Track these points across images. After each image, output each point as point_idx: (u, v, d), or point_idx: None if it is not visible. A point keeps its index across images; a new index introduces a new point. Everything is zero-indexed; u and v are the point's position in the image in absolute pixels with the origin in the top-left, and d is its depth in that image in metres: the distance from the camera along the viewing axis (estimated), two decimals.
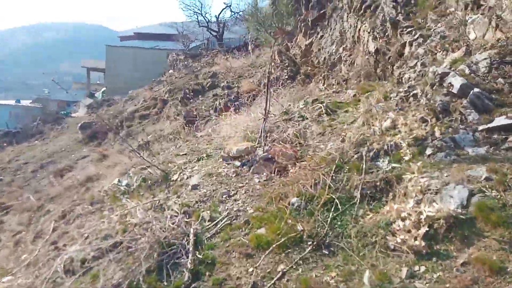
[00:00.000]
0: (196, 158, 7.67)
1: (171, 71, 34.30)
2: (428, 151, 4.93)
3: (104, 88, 38.16)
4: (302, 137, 7.11)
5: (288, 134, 7.13)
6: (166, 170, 6.94)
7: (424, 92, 6.16)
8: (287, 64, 15.30)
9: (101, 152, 23.22)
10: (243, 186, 5.67)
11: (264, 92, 13.89)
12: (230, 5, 36.57)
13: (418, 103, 6.23)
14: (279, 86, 14.65)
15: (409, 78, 7.02)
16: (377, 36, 9.84)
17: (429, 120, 5.34)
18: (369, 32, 10.26)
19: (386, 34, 9.53)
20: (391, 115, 6.14)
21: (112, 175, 10.11)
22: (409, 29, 8.76)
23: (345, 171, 5.22)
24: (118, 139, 27.48)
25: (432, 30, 8.15)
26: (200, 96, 17.98)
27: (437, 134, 5.05)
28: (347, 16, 12.33)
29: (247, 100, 14.81)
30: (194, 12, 36.38)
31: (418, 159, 4.83)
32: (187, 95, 18.18)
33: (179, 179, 6.52)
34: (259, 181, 5.77)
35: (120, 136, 27.48)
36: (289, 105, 9.07)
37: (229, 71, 18.75)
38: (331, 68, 12.12)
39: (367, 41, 10.33)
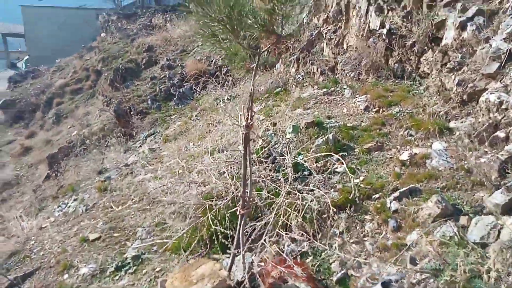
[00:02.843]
0: (114, 265, 3.78)
1: (103, 34, 28.13)
2: None
3: (27, 57, 30.91)
4: (314, 226, 3.47)
5: (288, 219, 3.44)
6: None
7: None
8: None
9: (22, 145, 18.01)
10: None
11: (217, 79, 9.78)
12: None
13: None
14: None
15: (501, 102, 3.48)
16: (386, 7, 6.06)
17: None
18: (369, 1, 6.42)
19: (402, 5, 5.77)
20: None
21: None
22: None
23: None
24: (47, 119, 22.19)
25: (497, 2, 4.54)
26: (134, 77, 13.29)
27: None
28: None
29: (195, 87, 10.60)
30: None
31: None
32: (119, 76, 13.41)
33: None
34: None
35: (49, 117, 22.28)
36: (266, 128, 5.20)
37: (169, 43, 14.02)
38: (307, 48, 8.23)
39: (367, 13, 6.51)
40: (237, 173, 4.33)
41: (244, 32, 2.45)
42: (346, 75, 6.74)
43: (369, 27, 6.41)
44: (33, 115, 23.54)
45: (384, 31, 5.89)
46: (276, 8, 2.42)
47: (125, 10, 30.53)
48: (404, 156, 3.90)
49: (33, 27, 30.16)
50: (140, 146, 8.52)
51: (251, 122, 2.77)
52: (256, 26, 2.44)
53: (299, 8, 9.18)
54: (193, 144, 6.47)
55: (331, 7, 7.79)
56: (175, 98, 10.82)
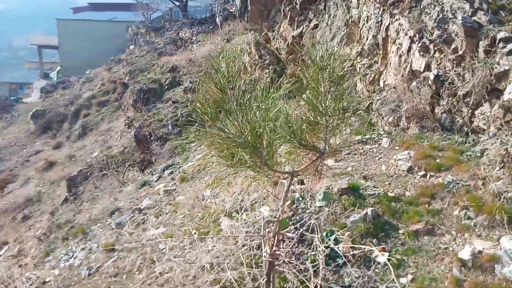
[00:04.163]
0: None
1: (132, 47, 28.34)
2: None
3: (59, 68, 31.57)
4: None
5: None
6: None
7: None
8: (268, 61, 10.48)
9: (47, 159, 18.05)
10: None
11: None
12: None
13: None
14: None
15: None
16: (432, 47, 5.24)
17: None
18: (412, 38, 5.61)
19: (453, 47, 4.94)
20: None
21: None
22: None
23: None
24: (73, 131, 22.40)
25: None
26: (157, 98, 12.92)
27: None
28: (358, 1, 7.53)
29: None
30: None
31: None
32: (141, 97, 13.07)
33: None
34: None
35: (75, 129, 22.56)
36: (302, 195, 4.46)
37: (193, 64, 13.58)
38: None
39: (409, 51, 5.71)
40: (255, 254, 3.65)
41: (274, 153, 1.78)
42: (383, 118, 5.94)
43: (411, 67, 5.60)
44: (61, 125, 23.77)
45: (431, 75, 5.07)
46: (320, 119, 1.73)
47: (153, 23, 30.65)
48: (465, 253, 3.08)
49: (67, 39, 30.80)
50: (157, 180, 7.99)
51: (278, 251, 2.08)
52: (291, 140, 1.76)
53: (329, 34, 8.45)
54: (210, 191, 5.85)
55: (367, 39, 7.02)
56: (196, 124, 10.29)
